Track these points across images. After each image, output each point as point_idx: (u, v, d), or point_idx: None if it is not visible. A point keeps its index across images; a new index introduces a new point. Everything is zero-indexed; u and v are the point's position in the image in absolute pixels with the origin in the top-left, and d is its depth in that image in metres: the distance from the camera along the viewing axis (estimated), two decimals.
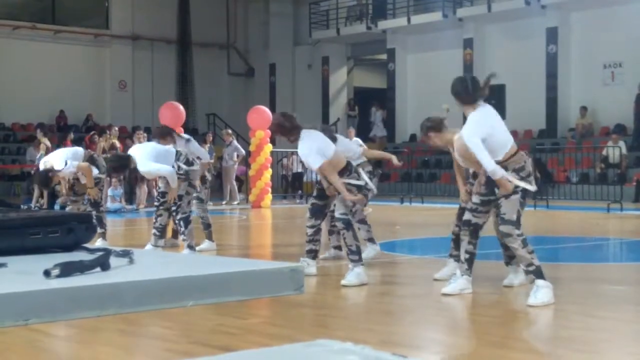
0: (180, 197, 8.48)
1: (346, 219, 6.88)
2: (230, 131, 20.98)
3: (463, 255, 6.23)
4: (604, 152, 20.34)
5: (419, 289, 6.75)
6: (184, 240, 8.53)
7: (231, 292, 4.91)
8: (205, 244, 9.53)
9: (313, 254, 7.20)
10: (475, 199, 6.18)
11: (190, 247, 8.62)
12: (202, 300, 4.78)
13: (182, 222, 8.50)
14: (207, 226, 9.65)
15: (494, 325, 5.29)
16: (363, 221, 8.30)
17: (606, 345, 4.69)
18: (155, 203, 8.89)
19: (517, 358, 4.38)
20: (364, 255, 8.10)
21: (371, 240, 8.40)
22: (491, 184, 5.99)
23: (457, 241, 6.93)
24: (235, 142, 20.24)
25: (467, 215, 6.26)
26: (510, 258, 6.67)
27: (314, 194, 7.25)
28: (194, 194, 9.44)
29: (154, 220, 8.87)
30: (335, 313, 5.85)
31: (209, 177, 9.95)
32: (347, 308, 6.18)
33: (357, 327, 5.20)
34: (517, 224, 5.93)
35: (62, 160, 9.37)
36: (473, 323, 5.49)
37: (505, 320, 5.57)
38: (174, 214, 8.54)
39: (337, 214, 6.91)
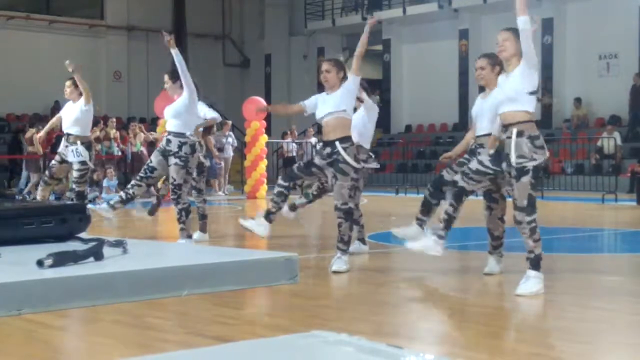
0: (179, 187, 8.39)
1: (347, 209, 6.83)
2: (229, 122, 21.03)
3: (441, 216, 6.19)
4: (599, 143, 20.36)
5: (414, 280, 6.74)
6: (182, 229, 8.46)
7: (226, 282, 4.91)
8: (197, 234, 9.35)
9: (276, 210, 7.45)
10: (474, 164, 6.12)
11: (189, 237, 8.58)
12: (196, 290, 4.77)
13: (183, 212, 8.42)
14: (203, 217, 9.60)
15: (488, 316, 5.28)
16: (356, 222, 8.21)
17: (601, 335, 4.69)
18: (141, 174, 8.51)
19: (512, 348, 4.38)
20: (351, 249, 8.09)
21: (362, 240, 8.29)
22: (497, 158, 5.94)
23: (425, 205, 6.86)
24: (231, 133, 20.30)
25: (457, 176, 6.19)
26: (495, 248, 6.62)
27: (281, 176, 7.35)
28: (193, 184, 9.38)
29: (128, 190, 8.53)
30: (330, 304, 5.84)
31: (206, 163, 9.78)
32: (343, 299, 6.17)
33: (352, 317, 5.19)
34: (528, 209, 5.73)
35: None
36: (468, 314, 5.48)
37: (500, 310, 5.57)
38: (174, 202, 8.42)
39: (337, 204, 6.81)
